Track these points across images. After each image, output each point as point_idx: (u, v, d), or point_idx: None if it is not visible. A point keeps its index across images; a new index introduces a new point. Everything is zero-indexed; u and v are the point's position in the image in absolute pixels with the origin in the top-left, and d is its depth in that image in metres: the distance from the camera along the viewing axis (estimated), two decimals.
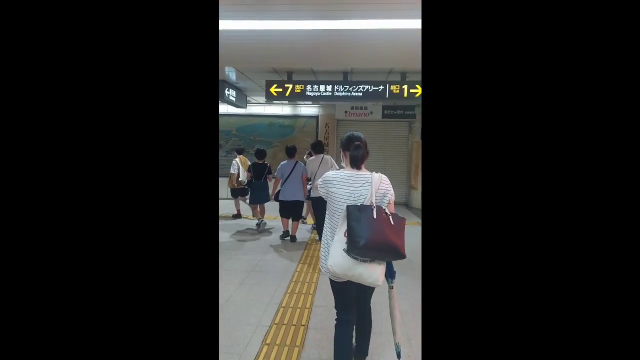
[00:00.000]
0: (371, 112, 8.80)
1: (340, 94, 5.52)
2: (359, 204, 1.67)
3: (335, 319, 1.89)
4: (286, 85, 5.53)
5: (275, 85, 5.55)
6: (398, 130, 8.94)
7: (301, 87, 5.53)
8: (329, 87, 5.53)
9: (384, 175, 1.82)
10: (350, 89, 5.50)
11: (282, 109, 9.11)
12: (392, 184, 1.87)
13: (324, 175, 1.87)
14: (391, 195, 1.81)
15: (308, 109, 9.07)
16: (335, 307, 1.90)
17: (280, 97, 5.53)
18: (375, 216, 1.61)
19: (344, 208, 1.67)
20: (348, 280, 1.73)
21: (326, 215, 1.86)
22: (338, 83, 5.53)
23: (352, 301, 1.88)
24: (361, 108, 8.83)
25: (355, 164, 1.82)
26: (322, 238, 1.87)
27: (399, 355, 1.89)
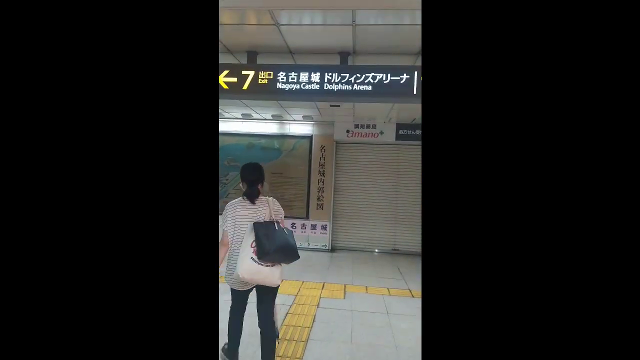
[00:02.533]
0: (381, 132, 6.46)
1: (334, 86, 3.16)
2: (262, 221, 2.07)
3: (230, 309, 2.26)
4: (244, 72, 3.21)
5: (226, 72, 3.24)
6: (416, 157, 6.52)
7: (269, 74, 3.20)
8: (316, 76, 3.18)
9: (274, 199, 2.28)
10: (352, 78, 3.15)
11: (266, 126, 6.81)
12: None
13: (227, 205, 2.14)
14: (282, 212, 2.28)
15: (299, 128, 6.76)
16: (232, 304, 2.25)
17: (234, 90, 3.18)
18: (277, 228, 2.07)
19: (249, 225, 2.03)
20: (248, 289, 2.14)
21: (230, 237, 2.06)
22: (331, 69, 3.20)
23: (246, 303, 2.25)
24: (368, 126, 6.49)
25: (251, 200, 2.15)
26: (229, 256, 2.09)
27: (277, 337, 2.22)
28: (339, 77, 3.13)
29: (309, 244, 6.59)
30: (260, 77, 3.17)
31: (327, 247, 6.55)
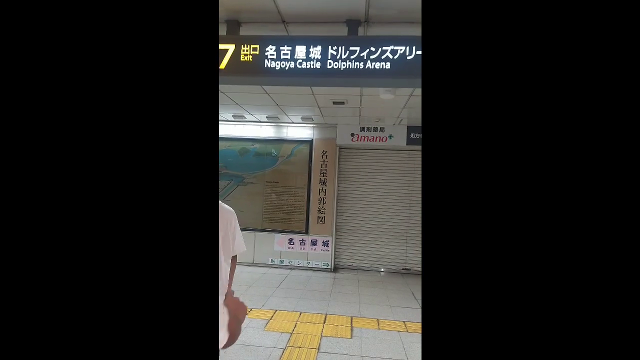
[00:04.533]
0: (391, 136, 5.65)
1: (341, 65, 2.35)
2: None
3: None
4: (222, 45, 2.41)
5: None
6: None
7: (254, 49, 2.40)
8: (317, 50, 2.37)
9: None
10: (365, 53, 2.34)
11: (261, 129, 6.03)
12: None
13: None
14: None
15: (298, 131, 5.97)
16: None
17: None
18: None
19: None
20: None
21: None
22: (337, 41, 2.41)
23: None
24: (376, 129, 5.69)
25: None
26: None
27: None
28: (347, 52, 2.32)
29: (308, 263, 5.72)
30: (243, 52, 2.36)
31: (329, 267, 5.68)
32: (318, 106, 4.70)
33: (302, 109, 4.94)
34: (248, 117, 5.62)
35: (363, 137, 5.66)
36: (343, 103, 4.42)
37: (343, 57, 2.31)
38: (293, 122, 5.82)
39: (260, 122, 5.88)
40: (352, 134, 5.67)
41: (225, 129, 6.00)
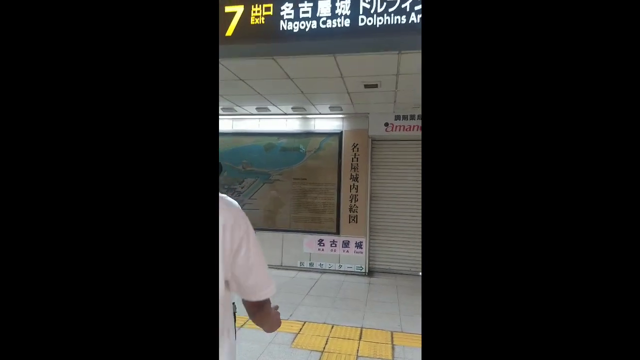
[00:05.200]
0: None
1: (376, 20, 1.85)
2: None
3: None
4: (228, 8, 1.97)
5: None
6: None
7: (266, 8, 1.95)
8: (345, 4, 1.90)
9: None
10: (407, 4, 1.83)
11: (287, 122, 5.62)
12: None
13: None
14: None
15: (326, 123, 5.49)
16: None
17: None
18: None
19: None
20: None
21: None
22: None
23: None
24: (412, 117, 5.08)
25: None
26: None
27: None
28: (384, 5, 1.80)
29: (340, 266, 5.24)
30: (253, 13, 1.91)
31: (363, 270, 5.16)
32: (347, 92, 4.19)
33: (329, 96, 4.46)
34: (273, 109, 5.22)
35: (398, 127, 5.08)
36: (376, 86, 3.88)
37: (379, 10, 1.79)
38: (320, 113, 5.35)
39: (285, 114, 5.47)
40: (386, 124, 5.11)
41: (250, 124, 5.65)
